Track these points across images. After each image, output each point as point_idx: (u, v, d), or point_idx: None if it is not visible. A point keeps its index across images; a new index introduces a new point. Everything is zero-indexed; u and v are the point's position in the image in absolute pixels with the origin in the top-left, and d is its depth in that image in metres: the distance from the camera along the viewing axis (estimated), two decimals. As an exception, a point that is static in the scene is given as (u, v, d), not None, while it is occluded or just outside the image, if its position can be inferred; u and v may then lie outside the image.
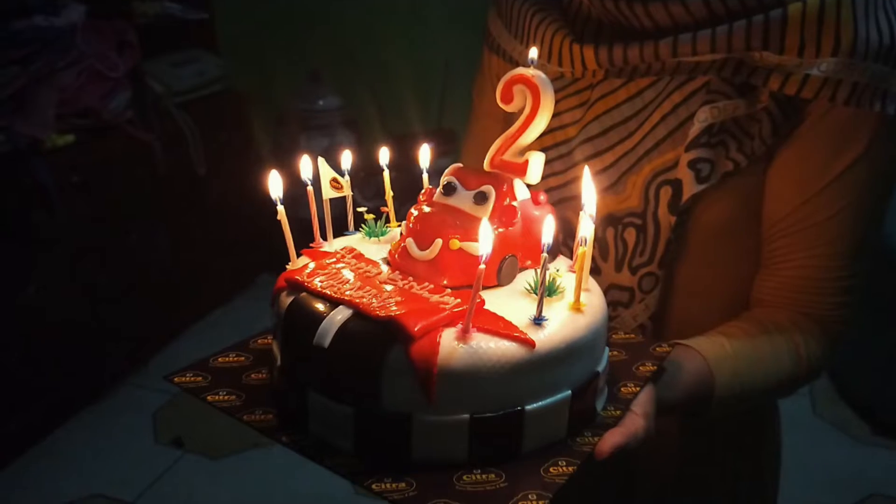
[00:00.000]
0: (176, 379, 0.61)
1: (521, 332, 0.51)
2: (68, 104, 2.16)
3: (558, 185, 0.84)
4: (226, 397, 0.58)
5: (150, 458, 2.10)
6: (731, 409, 0.75)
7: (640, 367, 0.64)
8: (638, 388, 0.61)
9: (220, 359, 0.64)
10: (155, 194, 2.42)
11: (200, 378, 0.61)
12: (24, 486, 1.98)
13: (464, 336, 0.50)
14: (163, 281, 2.50)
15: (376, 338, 0.50)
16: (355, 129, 2.73)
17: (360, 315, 0.52)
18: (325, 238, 0.66)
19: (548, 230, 0.53)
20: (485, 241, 0.49)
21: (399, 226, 0.69)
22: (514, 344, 0.51)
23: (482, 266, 0.48)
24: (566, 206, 0.83)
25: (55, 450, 2.12)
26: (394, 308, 0.51)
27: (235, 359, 0.64)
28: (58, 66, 2.12)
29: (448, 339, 0.50)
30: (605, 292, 0.78)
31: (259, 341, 0.67)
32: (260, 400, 0.58)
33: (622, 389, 0.61)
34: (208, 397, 0.58)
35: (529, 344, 0.51)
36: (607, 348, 0.61)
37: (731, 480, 0.92)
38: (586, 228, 0.55)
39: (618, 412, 0.58)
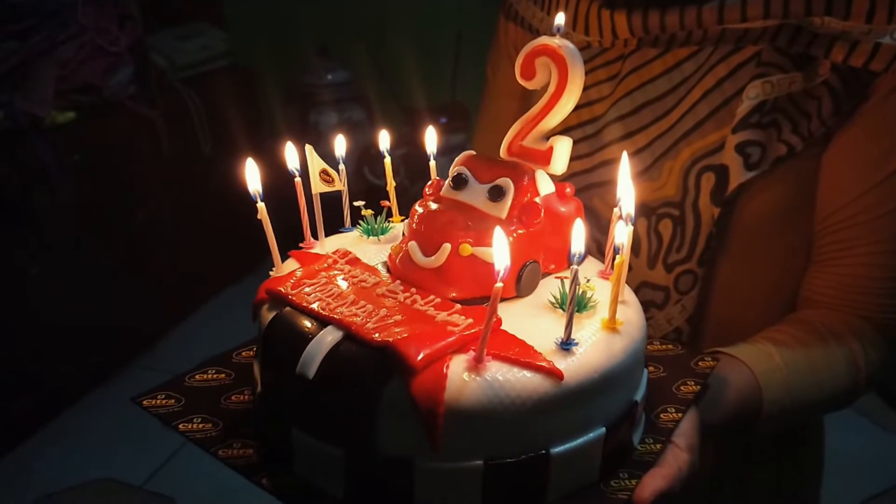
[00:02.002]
0: (145, 402, 0.53)
1: (547, 360, 0.42)
2: (68, 80, 2.10)
3: (583, 170, 0.75)
4: (200, 426, 0.50)
5: (157, 442, 2.06)
6: (779, 427, 0.67)
7: (682, 387, 0.55)
8: (680, 415, 0.52)
9: (196, 376, 0.56)
10: (160, 173, 2.36)
11: (173, 401, 0.53)
12: (31, 470, 1.95)
13: (476, 366, 0.41)
14: (171, 260, 2.45)
15: (370, 368, 0.42)
16: (366, 105, 2.64)
17: (352, 338, 0.43)
18: (315, 237, 0.57)
19: (578, 237, 0.43)
20: (501, 254, 0.40)
21: (402, 220, 0.60)
22: (537, 375, 0.42)
23: (499, 284, 0.39)
24: (592, 194, 0.74)
25: (62, 433, 2.09)
26: (396, 330, 0.43)
27: (215, 376, 0.56)
28: (58, 41, 2.04)
29: (457, 370, 0.41)
30: (636, 291, 0.70)
31: (243, 353, 0.59)
32: (239, 429, 0.50)
33: (661, 416, 0.52)
34: (180, 425, 0.50)
35: (556, 375, 0.42)
36: (646, 370, 0.52)
37: (769, 492, 0.83)
38: (622, 233, 0.45)
39: (658, 446, 0.50)
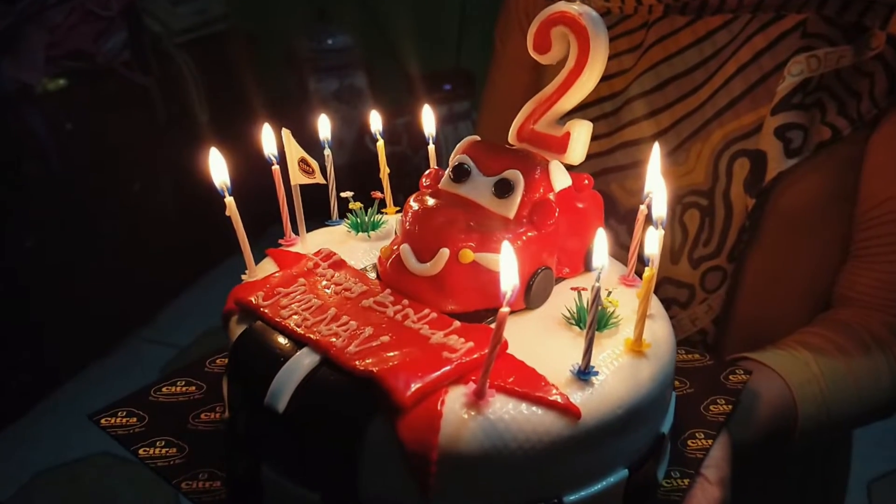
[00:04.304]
0: (103, 421, 0.46)
1: (561, 393, 0.35)
2: (59, 46, 2.03)
3: (601, 152, 0.68)
4: (164, 451, 0.44)
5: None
6: (812, 443, 0.60)
7: (711, 407, 0.49)
8: (710, 441, 0.46)
9: (164, 389, 0.49)
10: (156, 141, 2.30)
11: (135, 419, 0.46)
12: (30, 443, 1.93)
13: (477, 402, 0.35)
14: (169, 230, 2.40)
15: (351, 401, 0.35)
16: (368, 70, 2.54)
17: (331, 364, 0.37)
18: (296, 232, 0.51)
19: (600, 247, 0.36)
20: (508, 272, 0.33)
21: (397, 213, 0.53)
22: (550, 413, 0.35)
23: (506, 308, 0.32)
24: (610, 179, 0.67)
25: (61, 407, 2.06)
26: (383, 355, 0.36)
27: (184, 389, 0.49)
28: (47, 4, 1.97)
29: (454, 407, 0.34)
30: (657, 288, 0.63)
31: (217, 362, 0.52)
32: (208, 454, 0.44)
33: (689, 444, 0.46)
34: (140, 451, 0.44)
35: (572, 413, 0.35)
36: (674, 394, 0.45)
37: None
38: (653, 242, 0.38)
39: (685, 481, 0.43)
